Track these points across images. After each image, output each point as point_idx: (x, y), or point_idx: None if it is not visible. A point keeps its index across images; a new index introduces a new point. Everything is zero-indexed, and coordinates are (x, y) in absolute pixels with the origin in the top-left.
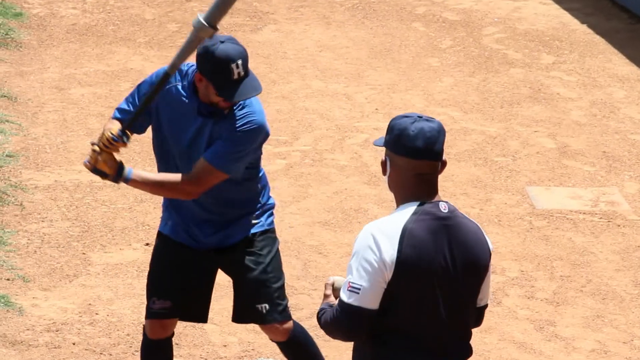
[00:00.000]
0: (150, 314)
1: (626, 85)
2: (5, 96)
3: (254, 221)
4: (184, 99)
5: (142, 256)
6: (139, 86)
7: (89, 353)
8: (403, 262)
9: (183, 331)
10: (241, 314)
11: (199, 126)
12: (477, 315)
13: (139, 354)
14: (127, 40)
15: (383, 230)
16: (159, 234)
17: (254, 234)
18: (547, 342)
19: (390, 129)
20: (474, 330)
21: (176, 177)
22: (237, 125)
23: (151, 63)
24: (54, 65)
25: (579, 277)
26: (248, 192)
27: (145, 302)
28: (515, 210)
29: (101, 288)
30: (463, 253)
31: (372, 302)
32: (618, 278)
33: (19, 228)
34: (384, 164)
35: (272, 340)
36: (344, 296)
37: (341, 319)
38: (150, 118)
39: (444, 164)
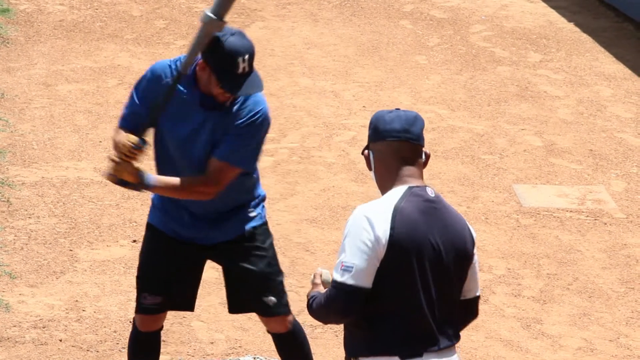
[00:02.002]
0: (141, 309)
1: (613, 84)
2: None
3: (251, 214)
4: (183, 90)
5: (129, 253)
6: (136, 87)
7: (75, 350)
8: (396, 239)
9: (170, 328)
10: (243, 305)
11: (201, 120)
12: (472, 307)
13: (125, 350)
14: (115, 37)
15: (375, 210)
16: (149, 225)
17: (254, 227)
18: (533, 340)
19: (370, 123)
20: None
21: (196, 179)
22: (245, 118)
23: (138, 60)
24: (41, 61)
25: (565, 275)
26: (245, 186)
27: (134, 298)
28: (502, 208)
29: (88, 285)
30: (451, 237)
31: (365, 280)
32: (604, 276)
33: (6, 224)
34: (367, 157)
35: (270, 332)
36: (337, 275)
37: (334, 298)
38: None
39: (427, 156)
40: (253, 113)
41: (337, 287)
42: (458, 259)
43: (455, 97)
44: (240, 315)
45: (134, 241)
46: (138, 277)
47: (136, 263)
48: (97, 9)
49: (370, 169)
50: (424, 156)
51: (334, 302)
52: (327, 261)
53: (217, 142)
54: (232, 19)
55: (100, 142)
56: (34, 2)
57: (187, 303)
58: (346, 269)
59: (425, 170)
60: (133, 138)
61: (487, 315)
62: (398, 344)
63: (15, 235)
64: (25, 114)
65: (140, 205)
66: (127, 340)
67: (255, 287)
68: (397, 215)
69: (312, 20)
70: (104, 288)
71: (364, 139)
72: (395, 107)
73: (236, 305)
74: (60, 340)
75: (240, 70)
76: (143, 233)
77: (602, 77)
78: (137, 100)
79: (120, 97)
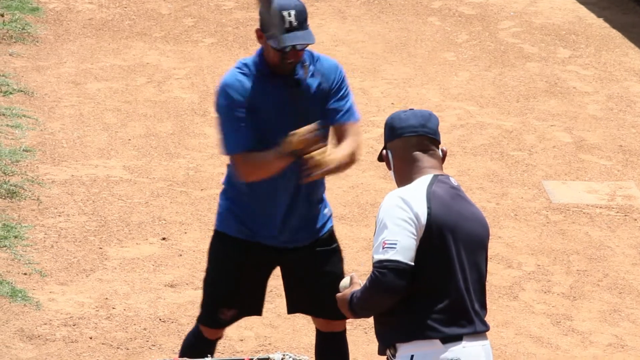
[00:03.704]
0: (218, 323)
1: None
2: (22, 91)
3: (328, 212)
4: (263, 82)
5: (158, 251)
6: (227, 110)
7: (105, 347)
8: (434, 219)
9: None
10: (322, 311)
11: (295, 102)
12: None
13: (155, 348)
14: (143, 35)
15: (409, 192)
16: (221, 235)
17: (331, 227)
18: (563, 337)
19: (385, 125)
20: (492, 324)
21: (351, 144)
22: (334, 76)
23: (167, 58)
24: (70, 60)
25: (595, 272)
26: (324, 180)
27: (163, 295)
28: (532, 205)
29: (118, 282)
30: (476, 222)
31: (409, 256)
32: (635, 272)
33: (36, 223)
34: (386, 157)
35: (323, 332)
36: (379, 255)
37: (380, 279)
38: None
39: (444, 152)
40: (334, 68)
41: (381, 267)
42: (482, 244)
43: (484, 93)
44: (269, 312)
45: (164, 239)
46: (213, 292)
47: (165, 261)
48: (125, 7)
49: (390, 168)
50: (441, 152)
51: (381, 283)
52: (356, 258)
53: (323, 110)
54: None
55: (129, 140)
56: (63, 1)
57: (256, 309)
58: (390, 246)
59: (454, 167)
60: (311, 126)
61: (516, 311)
62: (437, 327)
63: (45, 234)
64: (55, 113)
65: (169, 203)
66: (184, 340)
67: (334, 290)
68: (432, 197)
69: (340, 18)
70: (133, 286)
71: None
72: (424, 104)
73: (302, 306)
74: (91, 338)
75: (287, 25)
76: (172, 231)
77: (631, 72)
78: (240, 120)
79: (149, 95)
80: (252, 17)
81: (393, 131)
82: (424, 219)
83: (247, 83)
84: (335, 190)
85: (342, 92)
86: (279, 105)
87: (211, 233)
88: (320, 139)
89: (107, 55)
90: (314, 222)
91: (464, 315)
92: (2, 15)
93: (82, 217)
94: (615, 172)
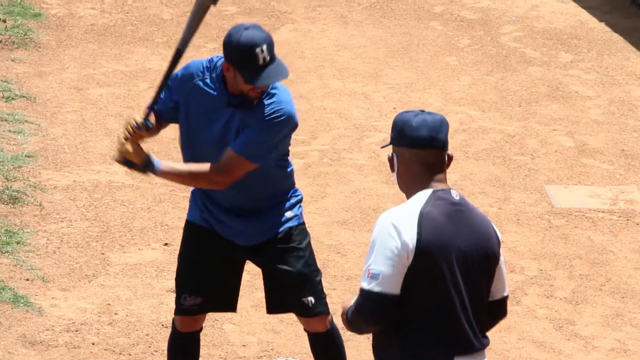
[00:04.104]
0: (181, 310)
1: None
2: (24, 96)
3: (288, 214)
4: (212, 91)
5: (160, 256)
6: (171, 79)
7: (108, 353)
8: (424, 244)
9: (202, 331)
10: (282, 306)
11: (228, 117)
12: (501, 307)
13: (158, 354)
14: (146, 41)
15: (401, 215)
16: (188, 223)
17: (291, 227)
18: (566, 341)
19: (394, 124)
20: (494, 329)
21: (205, 167)
22: (266, 115)
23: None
24: (72, 65)
25: (598, 276)
26: (279, 182)
27: (166, 301)
28: (534, 209)
29: (120, 288)
30: (477, 239)
31: (393, 287)
32: (637, 277)
33: (38, 228)
34: (390, 160)
35: (309, 331)
36: (364, 283)
37: (363, 306)
38: (176, 110)
39: (450, 157)
40: (275, 110)
41: (364, 295)
42: (485, 261)
43: (486, 98)
44: (272, 317)
45: (166, 244)
46: (177, 278)
47: (168, 266)
48: (128, 13)
49: (393, 171)
50: (447, 157)
51: (363, 310)
52: (359, 263)
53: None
54: (263, 22)
55: None
56: (65, 7)
57: (228, 303)
58: (373, 276)
59: (456, 171)
60: (137, 118)
61: (519, 316)
62: (430, 349)
63: (47, 239)
64: (57, 118)
65: (172, 208)
66: (167, 343)
67: (293, 288)
68: (423, 220)
69: (342, 22)
70: (136, 291)
71: None
72: (426, 108)
73: (274, 305)
74: (93, 344)
75: (261, 61)
76: (174, 236)
77: (633, 76)
78: (167, 92)
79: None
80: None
81: (402, 137)
82: (412, 245)
83: (203, 77)
84: (337, 195)
85: (255, 129)
86: (209, 114)
87: None
88: (139, 134)
89: (109, 60)
90: (265, 219)
91: (459, 337)
92: (5, 21)
93: (85, 222)
94: (618, 177)
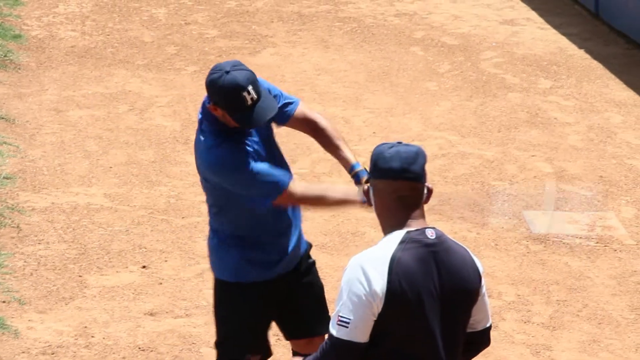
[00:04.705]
0: None
1: (623, 111)
2: (3, 118)
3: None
4: (238, 134)
5: (138, 279)
6: (244, 169)
7: None
8: (393, 292)
9: (179, 354)
10: (311, 329)
11: (263, 135)
12: (482, 338)
13: None
14: (126, 63)
15: (371, 261)
16: (236, 285)
17: (308, 242)
18: None
19: (371, 157)
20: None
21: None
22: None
23: (149, 85)
24: (52, 87)
25: (575, 302)
26: None
27: (143, 324)
28: (512, 235)
29: (97, 311)
30: (452, 278)
31: (361, 335)
32: (614, 303)
33: (16, 250)
34: (367, 192)
35: (302, 354)
36: (333, 331)
37: (329, 353)
38: None
39: (430, 190)
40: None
41: (332, 343)
42: (463, 298)
43: (465, 123)
44: None
45: (144, 267)
46: (237, 342)
47: (146, 289)
48: (108, 35)
49: (370, 204)
50: (425, 192)
51: (329, 357)
52: (337, 287)
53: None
54: (243, 45)
55: (111, 167)
56: (45, 28)
57: (269, 348)
58: (343, 324)
59: (435, 197)
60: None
61: (496, 341)
62: None
63: (24, 261)
64: (36, 140)
65: (150, 231)
66: None
67: (318, 309)
68: (394, 266)
69: (323, 47)
70: (113, 314)
71: None
72: (405, 133)
73: (306, 329)
74: None
75: (249, 102)
76: (152, 259)
77: (612, 103)
78: (257, 165)
79: (130, 122)
80: (235, 46)
81: (375, 169)
82: (382, 294)
83: (232, 144)
84: (316, 219)
85: (273, 94)
86: (260, 144)
87: (192, 262)
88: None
89: (90, 82)
90: (299, 232)
91: None
92: None
93: (62, 244)
94: (596, 203)
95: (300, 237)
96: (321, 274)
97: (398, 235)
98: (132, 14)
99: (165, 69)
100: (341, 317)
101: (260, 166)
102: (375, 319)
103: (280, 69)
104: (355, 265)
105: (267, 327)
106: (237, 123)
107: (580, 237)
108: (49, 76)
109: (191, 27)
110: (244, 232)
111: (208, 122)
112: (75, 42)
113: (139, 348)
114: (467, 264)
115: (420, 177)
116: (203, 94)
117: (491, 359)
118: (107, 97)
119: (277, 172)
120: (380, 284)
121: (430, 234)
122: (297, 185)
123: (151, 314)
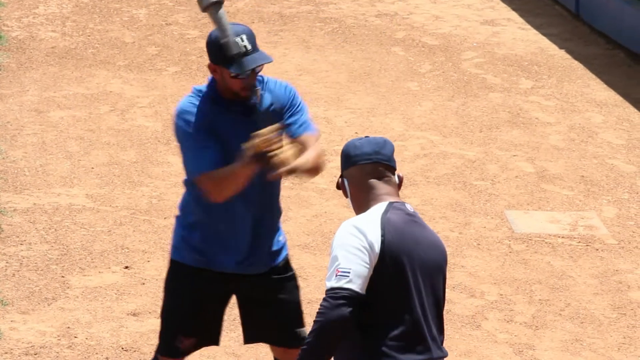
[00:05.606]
0: (176, 352)
1: (604, 110)
2: None
3: (283, 240)
4: (221, 109)
5: (121, 279)
6: (189, 130)
7: None
8: (388, 246)
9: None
10: (269, 337)
11: (246, 125)
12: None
13: None
14: (107, 64)
15: (362, 221)
16: (179, 265)
17: (287, 254)
18: None
19: (341, 155)
20: (454, 353)
21: (315, 148)
22: (286, 94)
23: (130, 86)
24: (33, 88)
25: (557, 301)
26: (279, 197)
27: (126, 324)
28: (494, 234)
29: (80, 311)
30: (433, 250)
31: (361, 285)
32: (596, 302)
33: None
34: (342, 185)
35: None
36: (333, 281)
37: (331, 307)
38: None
39: (400, 179)
40: (284, 87)
41: (333, 295)
42: (439, 269)
43: (447, 123)
44: (232, 341)
45: (126, 267)
46: (169, 319)
47: (128, 289)
48: (89, 36)
49: (346, 196)
50: (397, 178)
51: (331, 311)
52: (320, 287)
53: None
54: None
55: (92, 168)
56: (26, 29)
57: (215, 338)
58: (342, 275)
59: (417, 196)
60: (266, 131)
61: (479, 341)
62: (393, 355)
63: (6, 262)
64: (17, 141)
65: (132, 231)
66: None
67: (292, 319)
68: (386, 224)
69: (304, 47)
70: (95, 314)
71: None
72: (387, 133)
73: (259, 336)
74: None
75: (243, 49)
76: (135, 259)
77: (593, 103)
78: (203, 140)
79: (112, 123)
80: None
81: (348, 159)
82: (378, 247)
83: (204, 108)
84: (299, 219)
85: (295, 108)
86: (237, 131)
87: None
88: (283, 139)
89: (70, 83)
90: (272, 249)
91: (421, 342)
92: None
93: (44, 245)
94: (577, 202)
95: (270, 247)
96: (304, 274)
97: (382, 204)
98: (113, 14)
99: (146, 69)
100: (340, 268)
101: (190, 139)
102: (371, 273)
103: (262, 70)
104: (346, 226)
105: (206, 315)
106: (231, 73)
107: (562, 237)
108: (29, 77)
109: (172, 28)
110: (195, 217)
111: (206, 87)
112: (55, 42)
113: (122, 348)
114: (440, 242)
115: (392, 161)
116: (184, 94)
117: (474, 358)
118: (88, 97)
119: (196, 157)
120: (375, 236)
121: (410, 208)
122: (209, 178)
123: (134, 314)
